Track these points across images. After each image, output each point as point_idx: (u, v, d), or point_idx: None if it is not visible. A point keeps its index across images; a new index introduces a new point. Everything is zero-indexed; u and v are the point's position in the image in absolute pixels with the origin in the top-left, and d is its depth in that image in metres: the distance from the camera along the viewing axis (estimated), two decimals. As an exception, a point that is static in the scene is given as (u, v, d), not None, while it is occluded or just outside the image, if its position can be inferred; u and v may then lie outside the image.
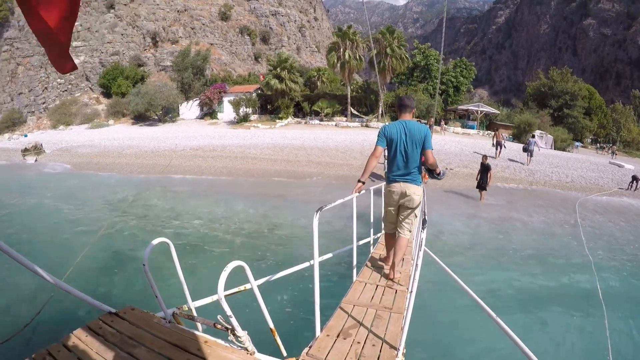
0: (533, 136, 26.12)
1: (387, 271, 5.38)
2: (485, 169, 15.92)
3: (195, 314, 3.72)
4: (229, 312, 2.63)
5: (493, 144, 25.99)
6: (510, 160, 24.49)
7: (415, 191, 5.12)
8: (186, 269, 8.34)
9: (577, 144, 48.07)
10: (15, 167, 27.78)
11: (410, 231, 5.26)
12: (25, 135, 48.65)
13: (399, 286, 4.85)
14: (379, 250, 6.57)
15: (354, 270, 5.28)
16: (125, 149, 28.91)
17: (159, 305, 3.43)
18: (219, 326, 2.97)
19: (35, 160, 29.33)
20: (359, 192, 5.16)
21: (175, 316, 3.49)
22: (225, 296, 2.65)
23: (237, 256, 9.55)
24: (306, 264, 5.53)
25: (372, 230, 6.76)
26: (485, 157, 16.51)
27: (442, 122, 41.82)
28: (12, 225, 12.84)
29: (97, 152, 29.00)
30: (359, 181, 5.17)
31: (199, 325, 3.41)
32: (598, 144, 58.31)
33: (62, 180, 21.54)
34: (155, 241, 3.36)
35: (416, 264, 3.24)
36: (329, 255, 6.09)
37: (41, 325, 5.45)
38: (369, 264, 5.82)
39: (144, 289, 3.46)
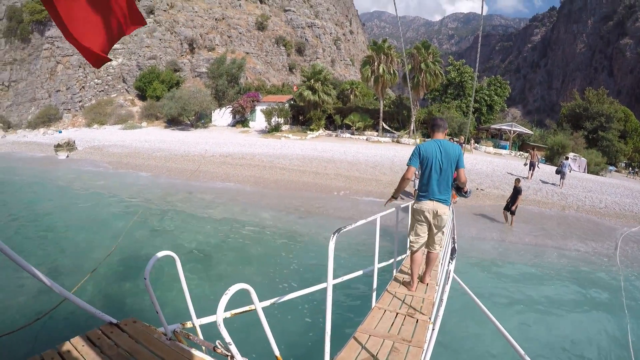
0: (567, 158, 25.34)
1: (410, 295, 5.24)
2: (516, 192, 15.55)
3: (199, 331, 3.52)
4: (228, 339, 2.41)
5: (525, 163, 25.27)
6: (543, 182, 23.88)
7: (445, 211, 5.24)
8: (198, 282, 8.16)
9: (610, 168, 46.63)
10: (48, 161, 28.35)
11: (440, 246, 5.54)
12: (60, 132, 49.92)
13: (420, 315, 4.52)
14: (402, 274, 6.23)
15: (374, 295, 4.94)
16: (155, 152, 29.23)
17: (160, 320, 3.24)
18: (218, 350, 2.76)
19: (67, 157, 29.87)
20: (391, 203, 5.71)
21: (176, 333, 3.29)
22: (230, 317, 2.44)
23: (253, 270, 9.32)
24: (320, 286, 5.04)
25: (396, 251, 6.33)
26: (517, 180, 16.12)
27: (472, 141, 41.00)
28: (35, 222, 13.00)
29: (127, 153, 29.42)
30: (392, 197, 5.65)
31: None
32: (630, 169, 56.75)
33: (92, 176, 21.89)
34: (160, 254, 3.17)
35: (441, 299, 2.95)
36: (347, 277, 5.68)
37: (44, 329, 5.33)
38: (390, 289, 5.45)
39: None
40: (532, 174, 24.29)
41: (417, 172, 5.56)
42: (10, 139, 44.32)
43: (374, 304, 4.84)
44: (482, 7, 7.17)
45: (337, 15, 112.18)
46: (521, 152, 43.06)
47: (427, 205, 5.21)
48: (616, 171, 50.30)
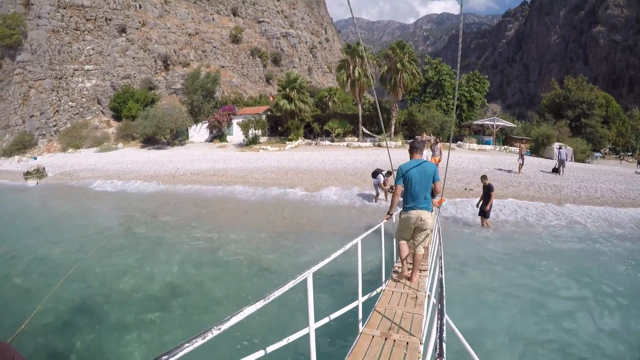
0: (560, 147, 25.09)
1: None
2: (487, 191, 13.67)
3: None
4: None
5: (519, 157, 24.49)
6: (542, 172, 24.14)
7: (428, 216, 6.40)
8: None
9: (596, 154, 46.62)
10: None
11: (425, 247, 6.57)
12: (35, 158, 48.58)
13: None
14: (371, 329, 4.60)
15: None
16: (126, 173, 28.10)
17: None
18: None
19: (37, 184, 28.86)
20: (387, 220, 7.01)
21: None
22: None
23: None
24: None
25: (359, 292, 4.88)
26: (484, 177, 14.16)
27: (435, 140, 34.31)
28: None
29: (97, 176, 28.13)
30: (388, 213, 7.03)
31: None
32: (620, 154, 56.93)
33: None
34: None
35: None
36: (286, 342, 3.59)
37: None
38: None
39: None
40: (520, 168, 23.63)
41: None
42: (-17, 168, 42.79)
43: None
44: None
45: (312, 24, 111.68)
46: (506, 147, 42.42)
47: (413, 214, 6.36)
48: (601, 157, 50.12)
